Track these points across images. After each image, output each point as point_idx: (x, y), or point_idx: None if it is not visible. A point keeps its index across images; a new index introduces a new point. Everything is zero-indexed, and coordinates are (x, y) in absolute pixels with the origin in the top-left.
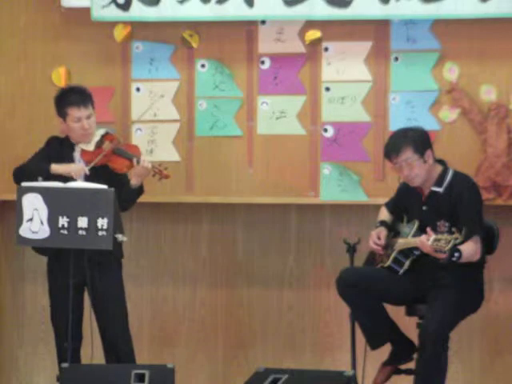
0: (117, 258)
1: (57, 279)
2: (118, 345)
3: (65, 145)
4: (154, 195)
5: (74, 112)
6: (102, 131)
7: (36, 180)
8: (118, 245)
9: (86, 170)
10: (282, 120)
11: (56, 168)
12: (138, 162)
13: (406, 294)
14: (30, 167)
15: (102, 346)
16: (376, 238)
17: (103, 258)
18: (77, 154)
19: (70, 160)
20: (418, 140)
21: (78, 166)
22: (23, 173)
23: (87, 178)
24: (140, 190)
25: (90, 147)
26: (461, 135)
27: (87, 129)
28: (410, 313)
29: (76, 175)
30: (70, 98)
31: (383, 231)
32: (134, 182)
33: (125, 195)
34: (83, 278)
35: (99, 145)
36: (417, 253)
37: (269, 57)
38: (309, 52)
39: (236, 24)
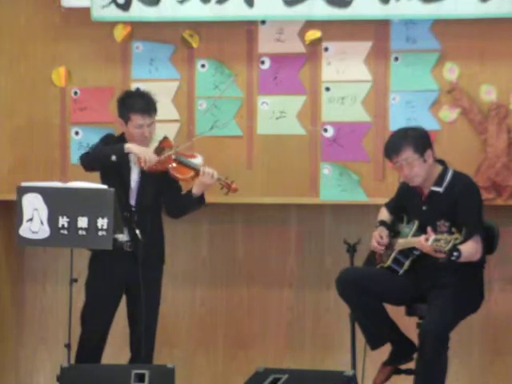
0: (160, 260)
1: (97, 276)
2: (139, 350)
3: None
4: None
5: (138, 119)
6: (159, 136)
7: (109, 160)
8: (160, 245)
9: (153, 158)
10: (282, 120)
11: (129, 146)
12: (204, 173)
13: (405, 294)
14: (103, 149)
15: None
16: (379, 237)
17: (145, 260)
18: (133, 157)
19: (126, 161)
20: (419, 139)
21: (148, 151)
22: (95, 155)
23: (141, 181)
24: (201, 200)
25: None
26: (461, 135)
27: (147, 136)
28: (410, 313)
29: (142, 160)
30: (136, 104)
31: (384, 231)
32: (195, 190)
33: (183, 202)
34: (125, 280)
35: (158, 152)
36: (417, 253)
37: (269, 57)
38: (309, 52)
39: (236, 24)
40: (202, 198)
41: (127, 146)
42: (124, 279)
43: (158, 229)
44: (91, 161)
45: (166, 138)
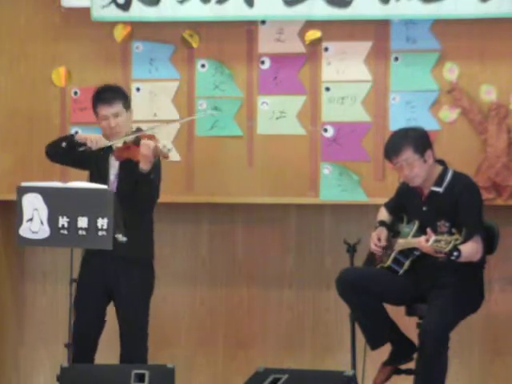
0: (146, 259)
1: (84, 278)
2: (131, 354)
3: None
4: None
5: (102, 110)
6: (133, 128)
7: (60, 146)
8: (145, 244)
9: (106, 142)
10: (282, 120)
11: (79, 135)
12: (142, 145)
13: (405, 294)
14: (59, 137)
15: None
16: (376, 239)
17: (129, 259)
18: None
19: (105, 157)
20: (419, 140)
21: (96, 135)
22: (53, 142)
23: (119, 173)
24: (148, 176)
25: (120, 144)
26: (461, 135)
27: (113, 127)
28: (410, 313)
29: (92, 142)
30: (100, 95)
31: (383, 232)
32: (141, 165)
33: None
34: (107, 279)
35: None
36: (417, 253)
37: (269, 57)
38: (309, 52)
39: (236, 24)
40: (149, 173)
41: (78, 134)
42: (107, 279)
43: (143, 226)
44: (48, 148)
45: (138, 129)
